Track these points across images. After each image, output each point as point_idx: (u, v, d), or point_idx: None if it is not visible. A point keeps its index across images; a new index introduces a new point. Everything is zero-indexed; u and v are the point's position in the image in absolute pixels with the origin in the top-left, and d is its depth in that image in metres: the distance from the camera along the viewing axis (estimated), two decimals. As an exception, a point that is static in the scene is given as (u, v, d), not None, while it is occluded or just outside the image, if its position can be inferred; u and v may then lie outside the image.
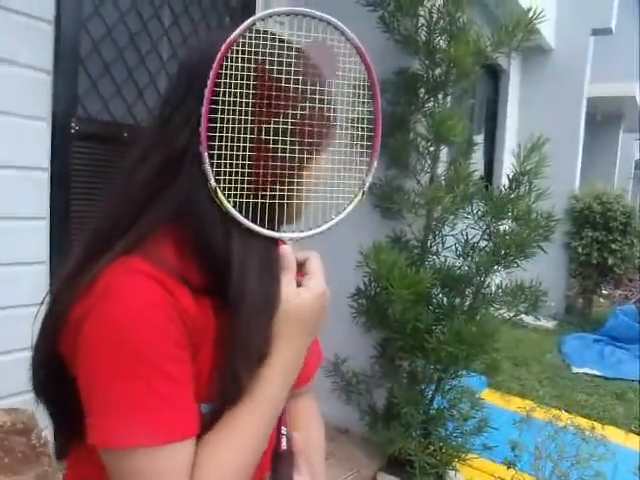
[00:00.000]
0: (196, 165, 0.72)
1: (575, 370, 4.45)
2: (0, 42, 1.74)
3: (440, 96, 2.36)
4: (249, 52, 0.70)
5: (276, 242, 0.77)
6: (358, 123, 0.79)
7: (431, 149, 2.41)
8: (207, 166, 0.70)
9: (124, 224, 0.75)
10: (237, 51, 0.70)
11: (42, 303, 0.79)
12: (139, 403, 0.65)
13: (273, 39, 0.71)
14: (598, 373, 4.41)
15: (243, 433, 0.71)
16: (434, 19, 2.29)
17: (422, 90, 2.38)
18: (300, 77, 0.72)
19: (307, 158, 0.75)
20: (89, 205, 2.09)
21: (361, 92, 0.78)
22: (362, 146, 0.80)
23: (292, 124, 0.73)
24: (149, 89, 2.35)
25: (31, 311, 1.95)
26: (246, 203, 0.73)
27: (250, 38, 0.70)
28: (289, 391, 0.77)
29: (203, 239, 0.73)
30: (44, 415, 1.88)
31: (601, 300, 7.01)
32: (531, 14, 2.28)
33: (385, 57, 2.43)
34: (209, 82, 0.69)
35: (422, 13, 2.31)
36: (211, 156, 0.70)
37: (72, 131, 2.02)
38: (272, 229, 0.75)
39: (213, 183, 0.71)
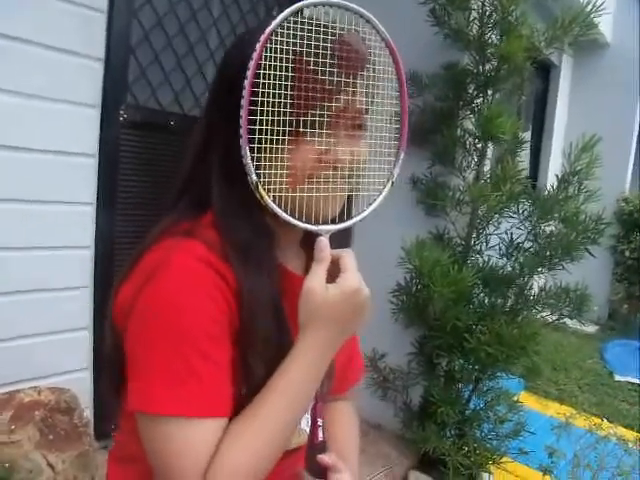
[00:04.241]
0: (233, 158, 0.73)
1: (618, 378, 4.32)
2: (55, 31, 1.78)
3: (489, 92, 2.31)
4: (287, 43, 0.70)
5: (272, 239, 0.78)
6: (387, 115, 0.80)
7: (478, 146, 2.36)
8: (248, 160, 0.70)
9: (167, 208, 0.82)
10: (275, 42, 0.70)
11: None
12: (175, 375, 0.69)
13: (310, 29, 0.71)
14: (643, 382, 4.28)
15: (267, 420, 0.73)
16: (487, 12, 2.24)
17: (471, 86, 2.33)
18: (336, 69, 0.72)
19: (341, 150, 0.75)
20: (135, 192, 2.13)
21: (390, 85, 0.79)
22: (391, 138, 0.81)
23: (328, 116, 0.73)
24: (197, 78, 2.37)
25: (76, 294, 2.02)
26: (285, 197, 0.74)
27: (287, 29, 0.70)
28: (317, 385, 0.77)
29: (229, 225, 0.76)
30: (86, 395, 1.93)
31: (647, 307, 6.78)
32: (590, 7, 2.20)
33: (434, 51, 2.39)
34: (249, 73, 0.68)
35: (474, 6, 2.26)
36: (251, 150, 0.70)
37: (121, 119, 2.06)
38: (309, 222, 0.76)
39: (254, 177, 0.71)
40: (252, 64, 0.68)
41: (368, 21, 0.75)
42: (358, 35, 0.75)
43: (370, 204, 0.81)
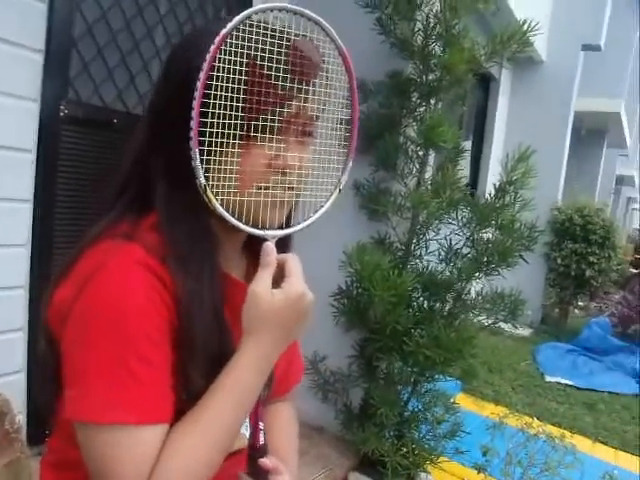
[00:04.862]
0: (180, 161, 0.72)
1: (548, 379, 4.52)
2: (-9, 19, 1.72)
3: (432, 101, 2.38)
4: (241, 47, 0.69)
5: (216, 244, 0.78)
6: (337, 123, 0.81)
7: (420, 153, 2.42)
8: (197, 163, 0.70)
9: (105, 209, 0.80)
10: (229, 45, 0.69)
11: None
12: (114, 381, 0.67)
13: (265, 34, 0.70)
14: (570, 383, 4.48)
15: (209, 425, 0.72)
16: (431, 24, 2.30)
17: (415, 94, 2.39)
18: (289, 74, 0.72)
19: (290, 156, 0.75)
20: (75, 190, 2.07)
21: (341, 93, 0.80)
22: (340, 145, 0.82)
23: (279, 121, 0.73)
24: (141, 76, 2.33)
25: (10, 293, 1.93)
26: (232, 201, 0.73)
27: (242, 32, 0.69)
28: (261, 388, 0.77)
29: (172, 229, 0.75)
30: (19, 399, 1.84)
31: (576, 311, 7.12)
32: (526, 26, 2.31)
33: (379, 59, 2.44)
34: (202, 75, 0.67)
35: (419, 18, 2.32)
36: (200, 152, 0.70)
37: (61, 114, 2.00)
38: (255, 227, 0.76)
39: (202, 180, 0.70)
40: (205, 66, 0.67)
41: (323, 29, 0.75)
42: (312, 42, 0.75)
43: (317, 210, 0.81)
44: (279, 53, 0.71)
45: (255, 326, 0.74)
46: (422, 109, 2.40)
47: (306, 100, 0.75)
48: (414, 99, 2.41)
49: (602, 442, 3.47)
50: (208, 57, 0.67)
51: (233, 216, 0.74)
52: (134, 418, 0.67)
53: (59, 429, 0.84)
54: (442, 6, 2.28)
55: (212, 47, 0.67)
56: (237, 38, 0.69)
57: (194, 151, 0.69)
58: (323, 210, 0.81)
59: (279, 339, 0.76)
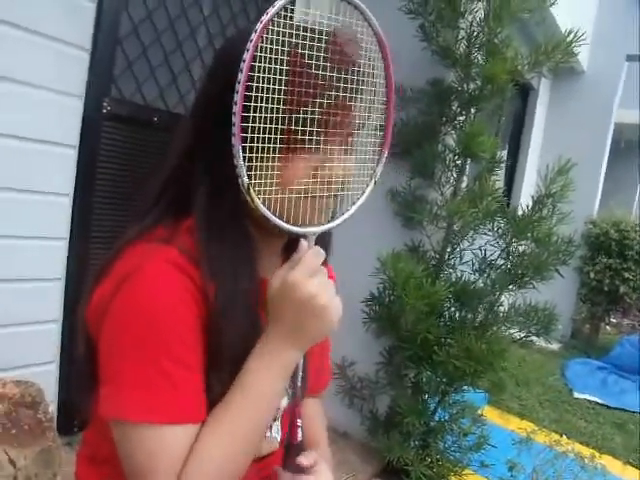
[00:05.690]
0: (223, 159, 0.70)
1: (576, 395, 4.42)
2: (42, 17, 1.75)
3: (472, 110, 2.35)
4: (282, 37, 0.67)
5: (254, 250, 0.77)
6: (372, 113, 0.79)
7: (458, 162, 2.40)
8: (240, 161, 0.67)
9: (143, 211, 0.80)
10: (269, 38, 0.66)
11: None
12: (149, 381, 0.68)
13: (305, 26, 0.69)
14: (599, 400, 4.37)
15: (232, 425, 0.72)
16: (474, 33, 2.28)
17: (455, 103, 2.37)
18: (328, 64, 0.69)
19: (331, 149, 0.73)
20: (114, 186, 2.10)
21: (377, 81, 0.77)
22: (375, 135, 0.80)
23: (319, 114, 0.70)
24: (183, 75, 2.36)
25: (47, 285, 1.98)
26: (274, 199, 0.72)
27: (282, 25, 0.67)
28: (278, 383, 0.75)
29: (210, 234, 0.74)
30: (51, 389, 1.88)
31: (608, 328, 6.96)
32: (571, 37, 2.27)
33: (421, 66, 2.43)
34: (244, 67, 0.65)
35: (463, 26, 2.30)
36: (243, 149, 0.67)
37: (104, 111, 2.03)
38: (296, 224, 0.74)
39: (246, 180, 0.68)
40: (248, 55, 0.64)
41: (362, 13, 0.72)
42: (353, 32, 0.72)
43: (354, 203, 0.80)
44: (320, 40, 0.68)
45: (269, 319, 0.75)
46: (462, 118, 2.37)
47: (345, 90, 0.72)
48: (454, 107, 2.39)
49: (633, 465, 3.37)
50: (250, 45, 0.64)
51: (274, 215, 0.72)
52: (167, 418, 0.68)
53: (94, 423, 0.85)
54: (486, 15, 2.26)
55: (254, 34, 0.64)
56: (279, 25, 0.66)
57: (236, 148, 0.66)
58: (360, 202, 0.80)
59: (284, 332, 0.74)
